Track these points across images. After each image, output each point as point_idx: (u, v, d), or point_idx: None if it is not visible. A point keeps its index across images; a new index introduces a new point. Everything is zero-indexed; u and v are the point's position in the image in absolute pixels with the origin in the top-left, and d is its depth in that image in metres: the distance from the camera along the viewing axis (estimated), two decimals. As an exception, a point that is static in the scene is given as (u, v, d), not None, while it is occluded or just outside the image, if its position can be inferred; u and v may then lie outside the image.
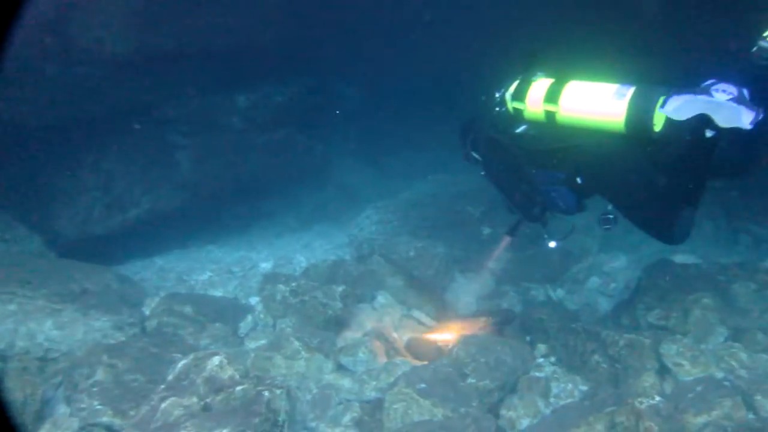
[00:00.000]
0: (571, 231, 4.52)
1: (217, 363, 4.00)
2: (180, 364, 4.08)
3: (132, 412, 3.94)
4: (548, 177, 4.02)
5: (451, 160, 7.20)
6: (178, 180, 7.97)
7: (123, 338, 5.16)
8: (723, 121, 3.25)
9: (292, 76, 8.81)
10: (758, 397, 3.79)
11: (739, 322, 4.86)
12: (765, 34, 3.40)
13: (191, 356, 4.11)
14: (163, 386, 3.93)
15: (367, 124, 10.57)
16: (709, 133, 3.36)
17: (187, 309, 5.66)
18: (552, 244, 4.48)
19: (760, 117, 3.22)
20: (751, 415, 3.71)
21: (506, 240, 4.99)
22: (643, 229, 3.93)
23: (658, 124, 3.41)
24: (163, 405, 3.70)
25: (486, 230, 7.57)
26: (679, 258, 6.83)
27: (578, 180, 3.88)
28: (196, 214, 8.24)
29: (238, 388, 3.83)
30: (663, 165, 3.67)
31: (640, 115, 3.39)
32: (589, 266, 7.01)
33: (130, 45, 6.76)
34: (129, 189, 7.54)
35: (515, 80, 3.97)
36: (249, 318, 5.86)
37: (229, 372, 3.98)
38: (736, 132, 3.27)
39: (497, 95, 4.06)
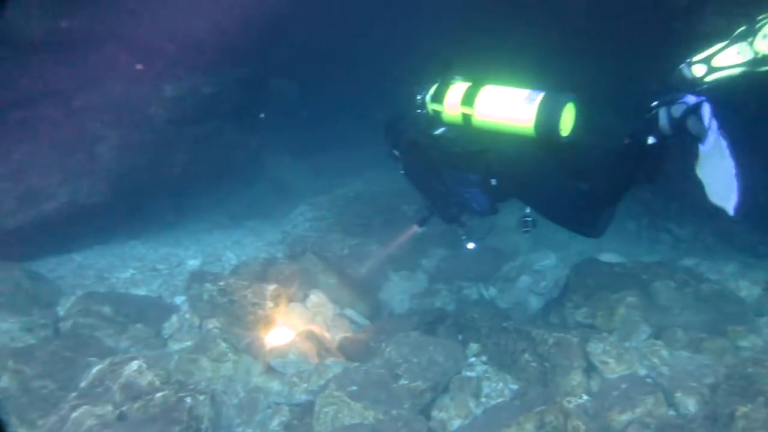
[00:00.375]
0: (489, 231, 4.62)
1: (135, 368, 3.78)
2: (95, 370, 3.83)
3: (40, 422, 3.68)
4: (463, 179, 4.10)
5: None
6: (99, 171, 7.52)
7: (33, 341, 4.81)
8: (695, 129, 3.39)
9: (223, 67, 8.48)
10: (678, 394, 3.91)
11: (661, 319, 5.03)
12: (690, 60, 3.53)
13: (107, 361, 3.87)
14: (75, 394, 3.68)
15: (303, 119, 10.37)
16: (651, 140, 3.50)
17: (106, 309, 5.35)
18: (470, 246, 4.55)
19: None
20: (671, 412, 3.83)
21: (414, 229, 4.99)
22: (564, 226, 4.06)
23: (565, 130, 3.55)
24: (75, 414, 3.45)
25: (420, 228, 7.54)
26: (605, 257, 7.05)
27: (492, 182, 3.96)
28: (118, 208, 7.82)
29: (158, 394, 3.62)
30: (585, 168, 3.82)
31: (547, 120, 3.49)
32: (520, 265, 7.12)
33: (46, 27, 6.31)
34: (44, 180, 7.05)
35: (435, 83, 4.04)
36: (174, 318, 5.59)
37: (148, 377, 3.76)
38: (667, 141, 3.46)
39: (419, 97, 4.11)
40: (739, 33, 3.43)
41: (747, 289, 5.80)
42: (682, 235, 8.26)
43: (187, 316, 5.59)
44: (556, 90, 3.61)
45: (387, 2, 9.60)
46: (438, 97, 3.94)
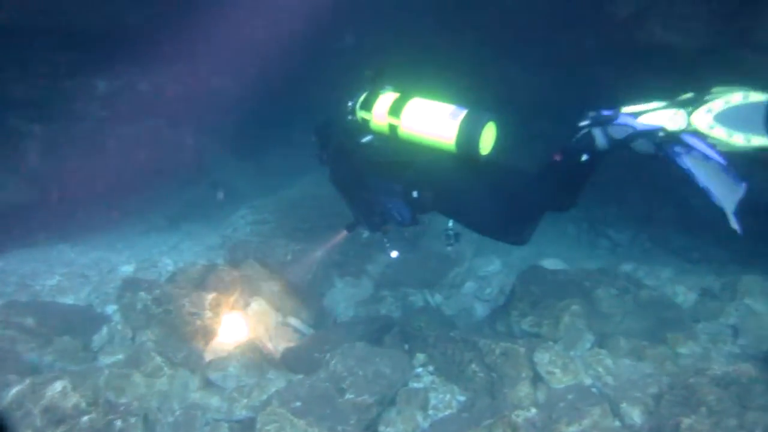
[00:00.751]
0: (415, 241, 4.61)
1: (59, 389, 3.50)
2: (13, 391, 3.52)
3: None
4: (386, 188, 4.13)
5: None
6: (25, 171, 7.04)
7: (-57, 358, 4.41)
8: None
9: (161, 62, 8.11)
10: (624, 405, 3.93)
11: (604, 327, 5.09)
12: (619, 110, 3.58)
13: (27, 381, 3.56)
14: (-10, 419, 3.35)
15: (246, 117, 10.03)
16: (584, 157, 3.56)
17: (29, 320, 4.99)
18: (393, 254, 4.57)
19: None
20: (617, 423, 3.85)
21: (342, 234, 4.91)
22: (489, 236, 4.12)
23: (485, 148, 3.62)
24: (-11, 443, 3.13)
25: (365, 234, 7.42)
26: (548, 262, 7.13)
27: (414, 194, 3.99)
28: (45, 209, 7.35)
29: (84, 418, 3.37)
30: (508, 183, 3.89)
31: (468, 138, 3.55)
32: (465, 270, 7.11)
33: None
34: (-39, 180, 6.55)
35: (366, 91, 4.07)
36: (104, 330, 5.26)
37: (73, 399, 3.48)
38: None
39: (349, 103, 4.11)
40: (683, 99, 3.44)
41: (683, 295, 5.96)
42: (620, 240, 8.49)
43: (119, 327, 5.28)
44: (479, 107, 3.68)
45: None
46: (367, 106, 3.96)
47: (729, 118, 3.33)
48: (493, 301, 6.45)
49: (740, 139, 3.30)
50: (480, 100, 3.87)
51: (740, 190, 3.39)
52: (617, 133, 3.49)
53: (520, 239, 3.95)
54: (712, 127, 3.32)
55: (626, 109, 3.54)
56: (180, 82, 8.59)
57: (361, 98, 4.03)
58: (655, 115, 3.47)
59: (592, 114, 3.58)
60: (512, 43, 8.12)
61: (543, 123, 7.91)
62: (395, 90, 3.99)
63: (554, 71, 7.99)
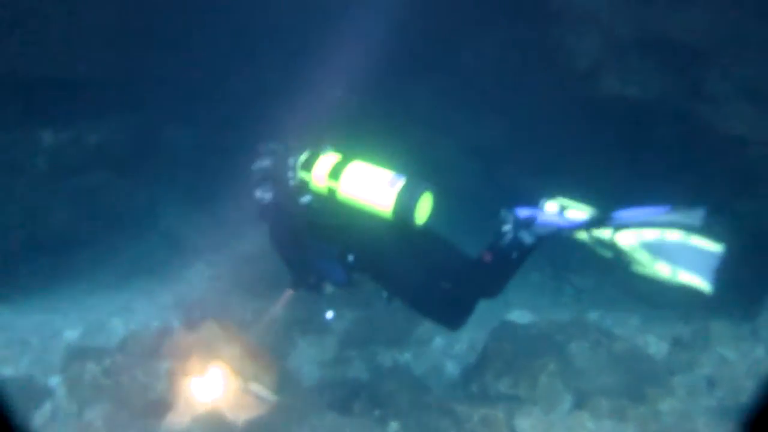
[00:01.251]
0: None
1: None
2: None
3: None
4: (323, 250, 4.10)
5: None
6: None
7: None
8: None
9: (113, 112, 7.79)
10: (611, 474, 3.77)
11: (581, 384, 4.96)
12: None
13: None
14: None
15: (202, 167, 9.72)
16: (528, 240, 3.73)
17: (-41, 400, 4.49)
18: (329, 315, 4.54)
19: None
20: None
21: (288, 293, 4.83)
22: (421, 316, 4.16)
23: (420, 218, 3.70)
24: None
25: (328, 288, 7.16)
26: (516, 315, 7.03)
27: (350, 258, 3.97)
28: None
29: None
30: (441, 266, 4.00)
31: (404, 207, 3.61)
32: (433, 326, 6.90)
33: None
34: None
35: (308, 150, 4.13)
36: (47, 405, 4.83)
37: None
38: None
39: (291, 161, 4.13)
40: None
41: (655, 345, 5.93)
42: (584, 286, 8.47)
43: (65, 402, 4.84)
44: (417, 177, 3.75)
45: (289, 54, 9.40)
46: (307, 166, 4.00)
47: (659, 248, 3.36)
48: (464, 358, 6.25)
49: (666, 270, 3.31)
50: (419, 170, 3.91)
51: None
52: (543, 231, 3.68)
53: (453, 325, 3.98)
54: (634, 249, 3.37)
55: (548, 206, 3.73)
56: (131, 131, 8.26)
57: (302, 158, 4.05)
58: (578, 212, 3.67)
59: (512, 217, 3.77)
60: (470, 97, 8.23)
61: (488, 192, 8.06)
62: (336, 151, 4.02)
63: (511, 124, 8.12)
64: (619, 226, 3.45)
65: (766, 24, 5.39)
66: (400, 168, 3.82)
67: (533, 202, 3.88)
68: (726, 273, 4.19)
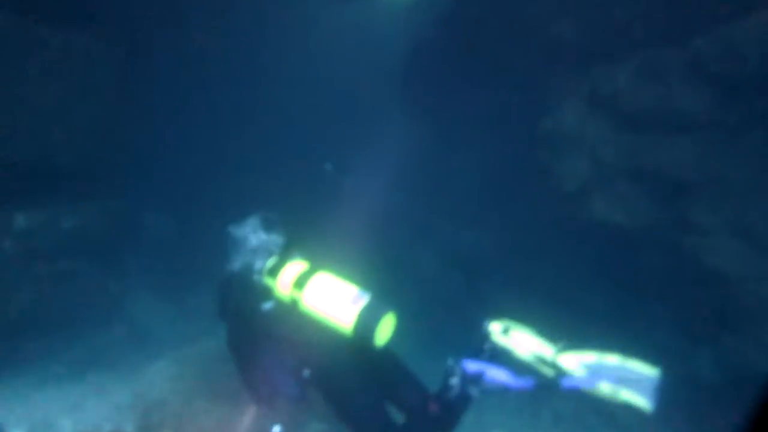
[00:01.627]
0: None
1: None
2: None
3: None
4: (279, 362, 4.02)
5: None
6: None
7: None
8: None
9: (91, 198, 7.61)
10: None
11: None
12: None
13: None
14: None
15: (177, 257, 9.48)
16: (475, 393, 3.79)
17: None
18: (275, 430, 4.27)
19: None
20: None
21: (251, 410, 4.71)
22: None
23: (380, 339, 3.67)
24: None
25: (280, 402, 6.79)
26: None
27: (305, 373, 3.87)
28: None
29: None
30: (398, 399, 3.98)
31: (364, 327, 3.58)
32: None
33: None
34: None
35: (277, 256, 4.12)
36: None
37: None
38: None
39: (258, 264, 4.13)
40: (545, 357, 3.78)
41: (639, 484, 5.63)
42: (563, 412, 8.19)
43: None
44: (381, 296, 3.74)
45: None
46: (273, 272, 3.94)
47: (599, 369, 3.65)
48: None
49: (608, 389, 3.60)
50: (397, 280, 4.01)
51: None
52: (490, 387, 3.76)
53: None
54: (575, 370, 3.64)
55: (493, 326, 3.83)
56: (109, 218, 8.06)
57: (270, 263, 4.01)
58: (523, 335, 3.77)
59: (460, 371, 3.80)
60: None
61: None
62: (304, 259, 4.00)
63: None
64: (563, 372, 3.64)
65: (754, 164, 5.60)
66: (370, 282, 3.82)
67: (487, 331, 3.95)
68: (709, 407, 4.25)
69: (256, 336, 4.07)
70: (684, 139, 6.05)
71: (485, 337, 3.91)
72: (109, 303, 8.44)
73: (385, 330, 3.67)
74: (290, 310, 3.87)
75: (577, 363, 3.60)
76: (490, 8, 6.97)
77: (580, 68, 6.64)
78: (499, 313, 4.09)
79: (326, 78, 9.06)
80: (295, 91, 9.07)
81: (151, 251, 9.12)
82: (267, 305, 3.98)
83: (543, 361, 3.69)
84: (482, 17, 7.11)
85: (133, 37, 7.92)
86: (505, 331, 3.79)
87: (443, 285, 8.51)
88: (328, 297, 3.69)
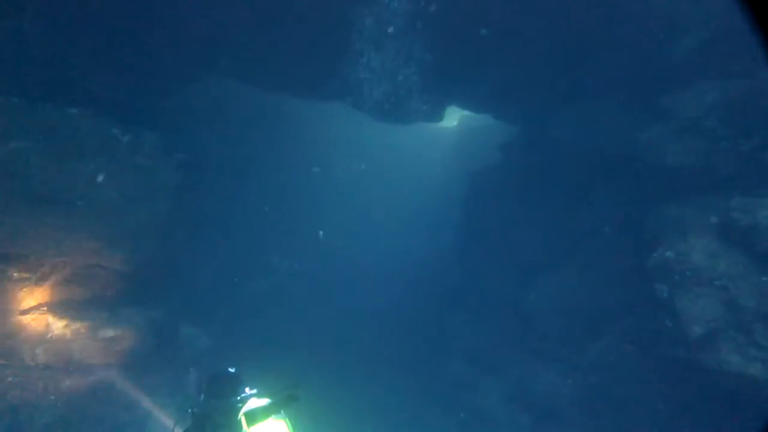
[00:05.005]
0: None
1: None
2: None
3: None
4: None
5: None
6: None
7: None
8: None
9: (131, 304, 6.81)
10: None
11: None
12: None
13: None
14: None
15: (215, 367, 8.60)
16: None
17: None
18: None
19: None
20: None
21: None
22: None
23: None
24: None
25: None
26: None
27: None
28: None
29: None
30: None
31: None
32: None
33: None
34: None
35: (256, 392, 4.07)
36: None
37: None
38: None
39: (246, 391, 4.08)
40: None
41: None
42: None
43: None
44: None
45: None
46: (252, 420, 3.83)
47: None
48: None
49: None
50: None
51: None
52: None
53: None
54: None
55: None
56: (150, 329, 7.21)
57: (254, 408, 3.91)
58: None
59: None
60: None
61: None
62: (282, 419, 3.91)
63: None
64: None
65: None
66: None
67: None
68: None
69: None
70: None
71: None
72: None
73: None
74: None
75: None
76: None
77: (707, 198, 5.95)
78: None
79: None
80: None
81: (190, 361, 8.16)
82: None
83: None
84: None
85: (192, 145, 7.67)
86: None
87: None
88: None
